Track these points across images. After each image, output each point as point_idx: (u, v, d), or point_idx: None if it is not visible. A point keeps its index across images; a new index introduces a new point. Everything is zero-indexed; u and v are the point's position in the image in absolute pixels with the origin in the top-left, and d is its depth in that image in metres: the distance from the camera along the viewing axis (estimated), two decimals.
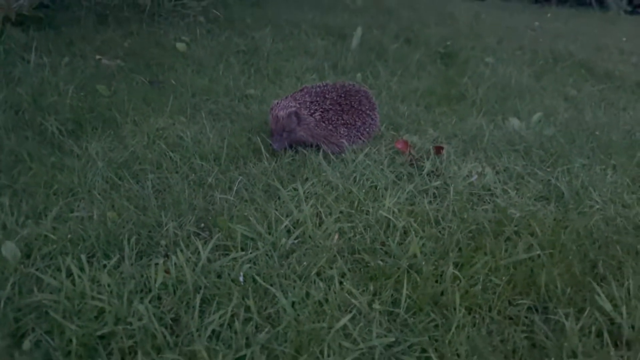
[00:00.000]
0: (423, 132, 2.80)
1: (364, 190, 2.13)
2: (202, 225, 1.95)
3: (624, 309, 1.62)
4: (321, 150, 2.44)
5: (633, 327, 1.59)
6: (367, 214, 2.00)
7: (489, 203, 2.18)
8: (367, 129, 2.53)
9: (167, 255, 1.79)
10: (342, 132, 2.43)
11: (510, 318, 1.66)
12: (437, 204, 2.11)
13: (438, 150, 2.47)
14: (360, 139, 2.50)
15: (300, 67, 3.75)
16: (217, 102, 3.09)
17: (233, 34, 4.23)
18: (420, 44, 4.65)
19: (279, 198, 2.08)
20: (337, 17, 5.22)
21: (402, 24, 5.25)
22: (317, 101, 2.38)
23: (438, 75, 3.91)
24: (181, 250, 1.77)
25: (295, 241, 1.84)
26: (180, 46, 3.80)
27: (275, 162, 2.35)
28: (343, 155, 2.42)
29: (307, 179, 2.23)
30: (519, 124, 2.89)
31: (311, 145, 2.47)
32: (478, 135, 2.78)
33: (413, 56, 4.21)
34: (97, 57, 3.41)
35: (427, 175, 2.34)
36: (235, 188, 2.13)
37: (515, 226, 1.99)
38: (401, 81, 3.67)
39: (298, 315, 1.57)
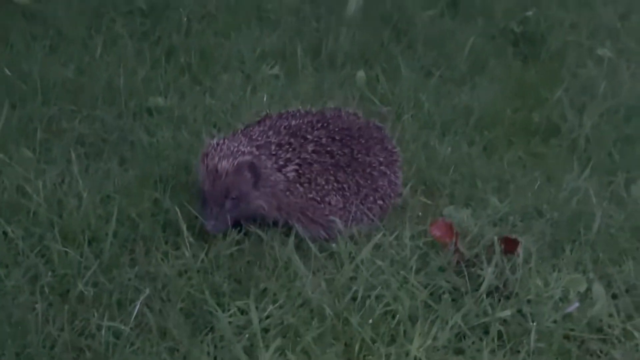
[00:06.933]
0: (480, 202, 2.34)
1: (371, 321, 1.76)
2: None
3: None
4: (293, 233, 2.06)
5: None
6: None
7: (602, 357, 1.78)
8: (380, 199, 2.18)
9: None
10: (333, 202, 2.11)
11: None
12: (507, 354, 1.74)
13: (509, 245, 2.05)
14: (366, 216, 2.15)
15: (251, 48, 3.04)
16: (93, 118, 2.49)
17: None
18: (476, 14, 3.61)
19: (211, 329, 1.72)
20: None
21: None
22: (290, 144, 2.08)
23: (508, 79, 3.12)
24: None
25: None
26: None
27: (207, 254, 1.96)
28: (333, 245, 2.04)
29: (265, 291, 1.86)
30: None
31: (274, 223, 2.13)
32: (581, 215, 2.27)
33: (463, 37, 3.30)
34: None
35: (488, 295, 1.95)
36: (136, 306, 1.76)
37: None
38: (440, 90, 2.98)
39: None
